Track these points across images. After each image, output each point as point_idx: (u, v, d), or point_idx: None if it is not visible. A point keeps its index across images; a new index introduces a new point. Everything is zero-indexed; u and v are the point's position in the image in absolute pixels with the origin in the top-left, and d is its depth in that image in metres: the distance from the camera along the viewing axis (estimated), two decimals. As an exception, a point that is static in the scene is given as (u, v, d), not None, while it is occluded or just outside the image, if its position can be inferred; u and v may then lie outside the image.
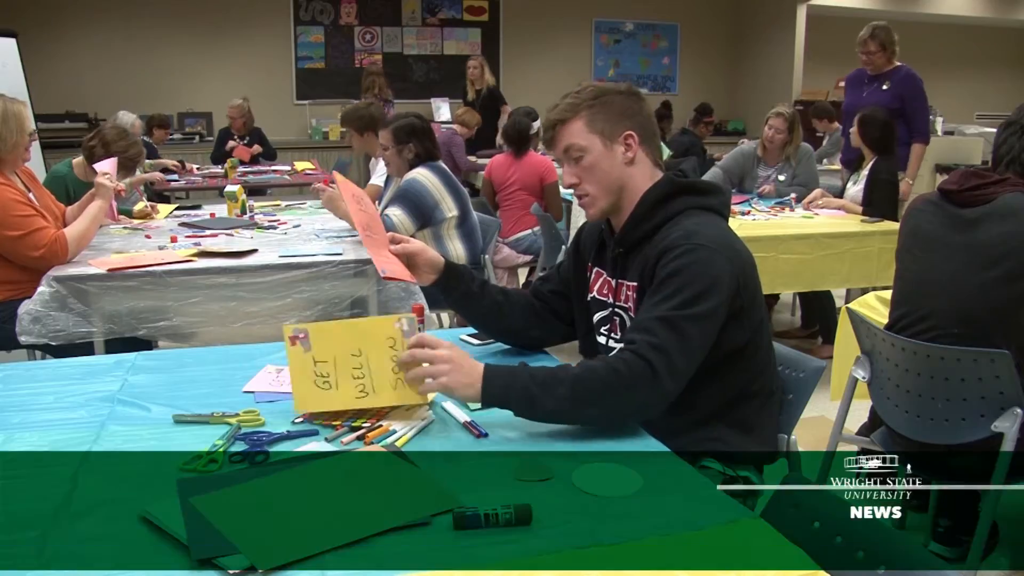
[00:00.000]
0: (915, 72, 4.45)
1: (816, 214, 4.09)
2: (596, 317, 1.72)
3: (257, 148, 6.82)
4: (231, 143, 6.74)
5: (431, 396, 1.50)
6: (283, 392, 1.60)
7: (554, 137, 1.62)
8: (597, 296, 1.72)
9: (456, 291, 1.76)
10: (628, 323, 1.63)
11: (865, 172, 4.07)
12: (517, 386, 1.39)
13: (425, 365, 1.42)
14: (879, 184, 3.97)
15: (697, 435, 1.55)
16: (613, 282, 1.67)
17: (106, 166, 3.27)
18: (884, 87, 4.42)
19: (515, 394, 1.39)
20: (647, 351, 1.41)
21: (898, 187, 4.10)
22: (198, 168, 6.68)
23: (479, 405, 1.47)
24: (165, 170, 5.89)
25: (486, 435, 1.41)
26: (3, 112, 2.85)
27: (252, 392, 1.61)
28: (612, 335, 1.67)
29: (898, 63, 4.46)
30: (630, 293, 1.62)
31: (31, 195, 3.00)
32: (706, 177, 4.91)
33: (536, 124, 4.88)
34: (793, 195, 4.34)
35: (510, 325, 1.78)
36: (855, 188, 4.14)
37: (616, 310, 1.66)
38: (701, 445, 1.56)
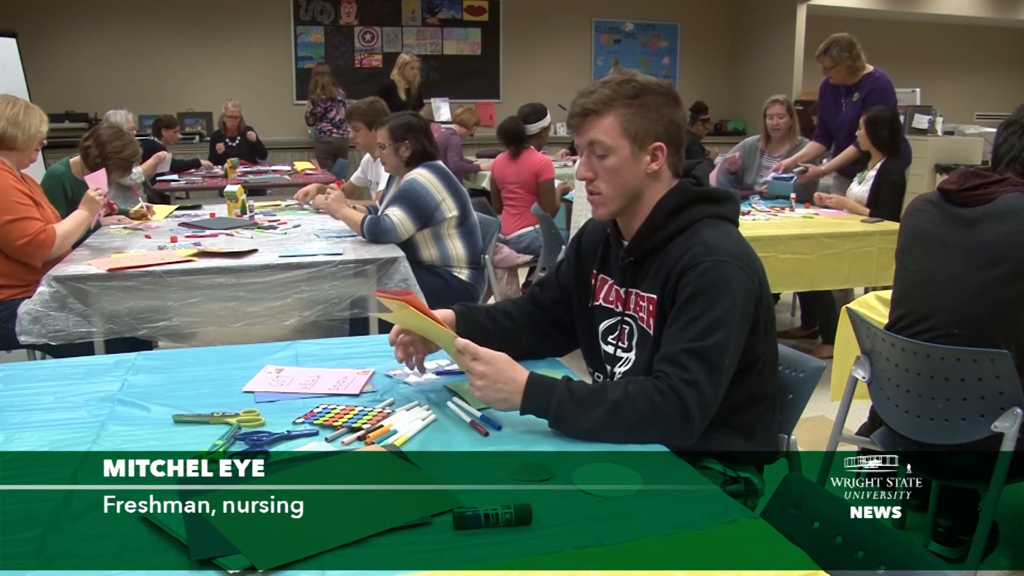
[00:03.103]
0: (883, 79, 4.34)
1: (816, 214, 4.10)
2: (602, 326, 1.67)
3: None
4: (219, 145, 6.90)
5: None
6: (283, 392, 1.60)
7: (581, 125, 1.53)
8: (603, 304, 1.66)
9: (475, 335, 1.64)
10: (638, 333, 1.59)
11: (872, 173, 4.06)
12: (554, 402, 1.39)
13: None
14: (887, 185, 3.96)
15: (700, 439, 1.54)
16: (622, 291, 1.62)
17: (97, 180, 3.30)
18: (855, 99, 4.40)
19: (552, 410, 1.39)
20: (681, 387, 1.39)
21: (905, 189, 4.09)
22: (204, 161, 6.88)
23: (486, 405, 1.48)
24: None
25: (498, 428, 1.42)
26: (25, 106, 2.99)
27: (252, 392, 1.61)
28: (620, 344, 1.62)
29: (869, 69, 4.40)
30: (643, 303, 1.57)
31: (32, 193, 3.02)
32: (712, 173, 4.96)
33: (539, 124, 4.88)
34: (793, 195, 4.35)
35: (521, 347, 1.70)
36: (860, 188, 4.13)
37: (625, 319, 1.61)
38: (705, 448, 1.55)
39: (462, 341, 1.45)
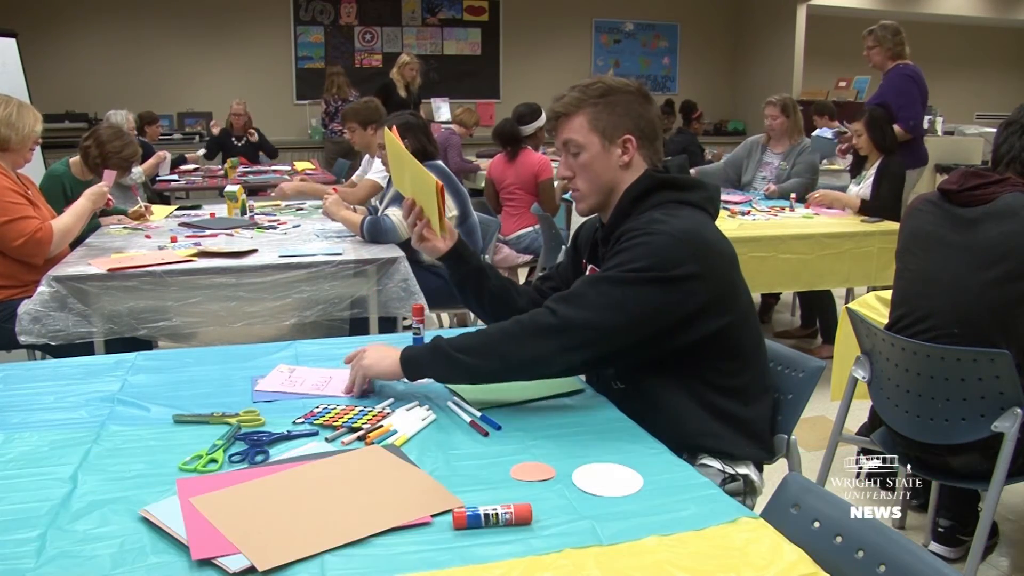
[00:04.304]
0: (909, 69, 4.41)
1: (816, 213, 4.10)
2: None
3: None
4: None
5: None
6: (295, 393, 1.59)
7: (555, 128, 1.64)
8: None
9: (470, 263, 1.75)
10: None
11: (871, 172, 4.07)
12: (429, 349, 1.50)
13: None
14: (887, 177, 3.97)
15: (687, 428, 1.54)
16: None
17: (110, 179, 3.38)
18: (880, 85, 4.45)
19: (428, 353, 1.49)
20: (552, 301, 1.48)
21: (903, 182, 4.11)
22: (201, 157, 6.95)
23: (486, 405, 1.50)
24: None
25: (498, 428, 1.42)
26: (18, 107, 2.98)
27: (264, 391, 1.61)
28: None
29: (905, 63, 4.45)
30: None
31: (29, 193, 3.02)
32: (715, 167, 5.00)
33: (534, 124, 4.88)
34: (793, 195, 4.35)
35: (518, 309, 1.73)
36: (858, 188, 4.14)
37: None
38: (699, 441, 1.56)
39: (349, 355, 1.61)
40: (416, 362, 1.52)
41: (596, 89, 1.60)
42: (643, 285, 1.45)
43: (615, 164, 1.60)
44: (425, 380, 1.59)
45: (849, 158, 4.70)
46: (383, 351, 1.57)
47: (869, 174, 4.08)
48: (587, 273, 1.74)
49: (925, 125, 6.86)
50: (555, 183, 4.73)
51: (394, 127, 1.90)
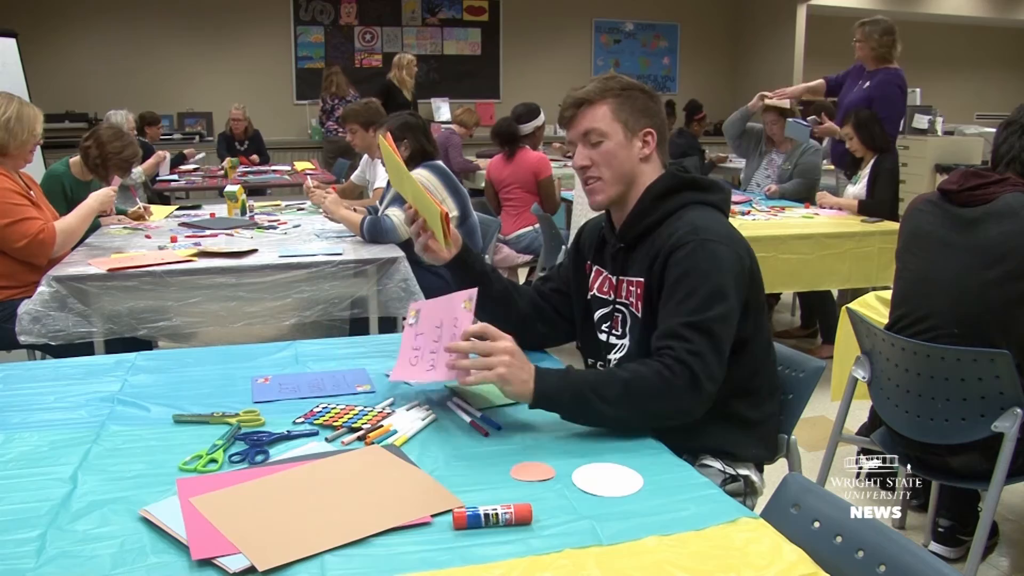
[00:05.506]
0: (898, 78, 4.35)
1: (816, 214, 4.10)
2: (597, 315, 1.72)
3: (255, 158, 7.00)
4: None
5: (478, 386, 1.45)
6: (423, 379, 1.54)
7: (575, 117, 1.60)
8: (597, 294, 1.72)
9: (474, 268, 1.73)
10: (630, 319, 1.62)
11: (866, 171, 4.08)
12: (570, 387, 1.38)
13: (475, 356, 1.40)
14: (883, 175, 3.98)
15: (696, 430, 1.55)
16: (614, 279, 1.67)
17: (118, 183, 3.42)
18: (865, 86, 4.41)
19: (568, 394, 1.38)
20: (688, 358, 1.41)
21: (898, 180, 4.12)
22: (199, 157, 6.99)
23: (486, 405, 1.49)
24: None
25: (498, 427, 1.42)
26: (18, 111, 2.95)
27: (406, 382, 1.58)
28: (614, 331, 1.66)
29: (891, 66, 4.41)
30: (632, 289, 1.61)
31: (31, 193, 3.01)
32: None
33: (533, 123, 4.88)
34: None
35: (520, 312, 1.77)
36: (855, 188, 4.15)
37: (617, 307, 1.65)
38: (701, 442, 1.56)
39: (480, 325, 1.44)
40: (553, 402, 1.39)
41: (617, 82, 1.61)
42: (732, 312, 1.48)
43: (636, 156, 1.61)
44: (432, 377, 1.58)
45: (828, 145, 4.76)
46: (523, 370, 1.38)
47: (864, 174, 4.10)
48: (591, 276, 1.73)
49: (925, 125, 6.88)
50: (554, 180, 4.74)
51: (388, 134, 1.88)
